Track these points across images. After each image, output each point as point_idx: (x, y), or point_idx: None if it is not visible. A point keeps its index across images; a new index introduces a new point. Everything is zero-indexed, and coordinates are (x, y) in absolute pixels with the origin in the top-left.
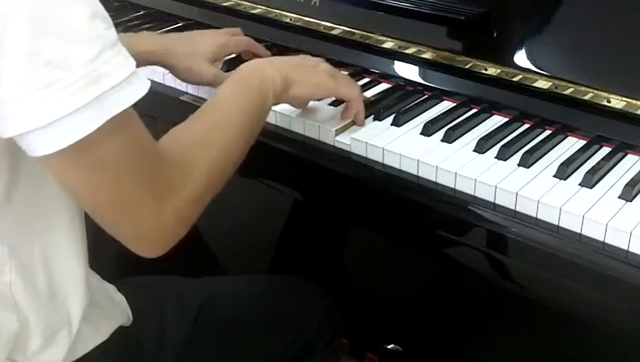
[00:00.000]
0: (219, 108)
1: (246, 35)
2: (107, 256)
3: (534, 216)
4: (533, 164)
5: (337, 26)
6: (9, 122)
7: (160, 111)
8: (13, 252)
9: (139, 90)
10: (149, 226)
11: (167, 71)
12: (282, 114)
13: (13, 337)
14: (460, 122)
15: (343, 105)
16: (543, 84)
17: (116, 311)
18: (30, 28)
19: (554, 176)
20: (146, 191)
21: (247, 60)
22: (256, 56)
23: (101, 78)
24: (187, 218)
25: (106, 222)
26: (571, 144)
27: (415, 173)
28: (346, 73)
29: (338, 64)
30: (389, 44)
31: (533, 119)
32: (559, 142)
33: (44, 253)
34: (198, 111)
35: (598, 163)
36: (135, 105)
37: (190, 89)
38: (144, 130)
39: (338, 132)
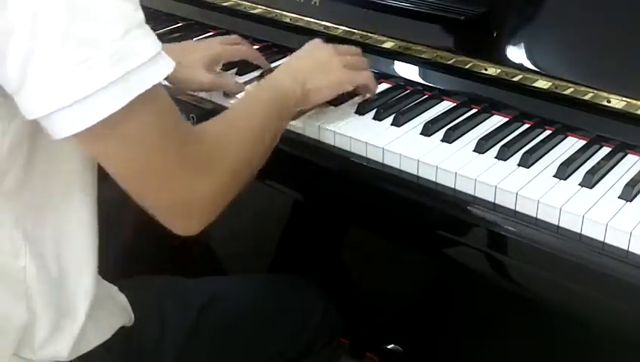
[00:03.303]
0: (246, 107)
1: (246, 35)
2: (108, 257)
3: (534, 216)
4: (533, 164)
5: (337, 26)
6: (37, 102)
7: None
8: (27, 236)
9: (164, 69)
10: (184, 199)
11: None
12: None
13: (21, 330)
14: (459, 122)
15: (342, 106)
16: (543, 84)
17: (118, 311)
18: (66, 10)
19: (554, 176)
20: (180, 165)
21: None
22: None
23: (128, 56)
24: (222, 196)
25: (141, 193)
26: (571, 144)
27: (415, 173)
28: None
29: None
30: (389, 44)
31: (533, 119)
32: (559, 142)
33: (56, 238)
34: (228, 110)
35: (598, 163)
36: None
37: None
38: (174, 108)
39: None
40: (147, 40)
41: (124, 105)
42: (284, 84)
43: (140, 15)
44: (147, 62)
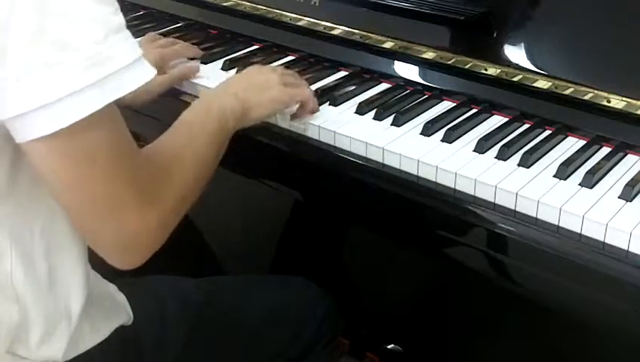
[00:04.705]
0: (187, 128)
1: (245, 35)
2: None
3: (534, 216)
4: (533, 164)
5: (337, 26)
6: (9, 102)
7: (161, 111)
8: (14, 239)
9: (142, 76)
10: (134, 229)
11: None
12: (285, 115)
13: (13, 329)
14: (460, 122)
15: (342, 106)
16: (543, 84)
17: (117, 310)
18: (37, 8)
19: (554, 176)
20: (131, 192)
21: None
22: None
23: (105, 60)
24: (168, 225)
25: (89, 225)
26: (571, 144)
27: (415, 173)
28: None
29: (338, 64)
30: (389, 44)
31: (533, 119)
32: (559, 142)
33: (45, 241)
34: (170, 130)
35: (598, 163)
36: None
37: (189, 89)
38: (128, 132)
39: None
40: (125, 46)
41: (95, 112)
42: (222, 102)
43: (120, 19)
44: (125, 67)
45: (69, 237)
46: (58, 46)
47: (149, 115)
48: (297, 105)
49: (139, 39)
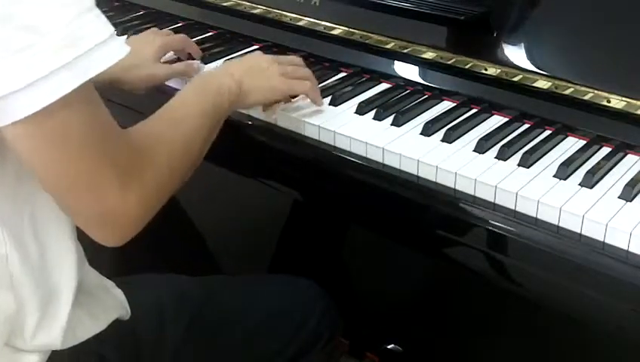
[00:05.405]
0: (178, 109)
1: (246, 35)
2: (107, 254)
3: (534, 216)
4: (533, 164)
5: (337, 26)
6: None
7: (157, 109)
8: (5, 224)
9: (116, 53)
10: (113, 209)
11: None
12: (285, 115)
13: (10, 319)
14: (459, 122)
15: (342, 106)
16: (543, 84)
17: (114, 303)
18: None
19: (554, 176)
20: (111, 172)
21: None
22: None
23: (77, 41)
24: (150, 206)
25: (69, 203)
26: (571, 144)
27: (415, 173)
28: (298, 61)
29: (338, 64)
30: (389, 44)
31: (533, 119)
32: (559, 142)
33: (33, 223)
34: (160, 110)
35: (598, 163)
36: (134, 104)
37: None
38: (107, 112)
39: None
40: (95, 25)
41: (62, 97)
42: (219, 82)
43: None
44: (98, 45)
45: (57, 218)
46: (29, 30)
47: (145, 113)
48: (295, 99)
49: (140, 34)
